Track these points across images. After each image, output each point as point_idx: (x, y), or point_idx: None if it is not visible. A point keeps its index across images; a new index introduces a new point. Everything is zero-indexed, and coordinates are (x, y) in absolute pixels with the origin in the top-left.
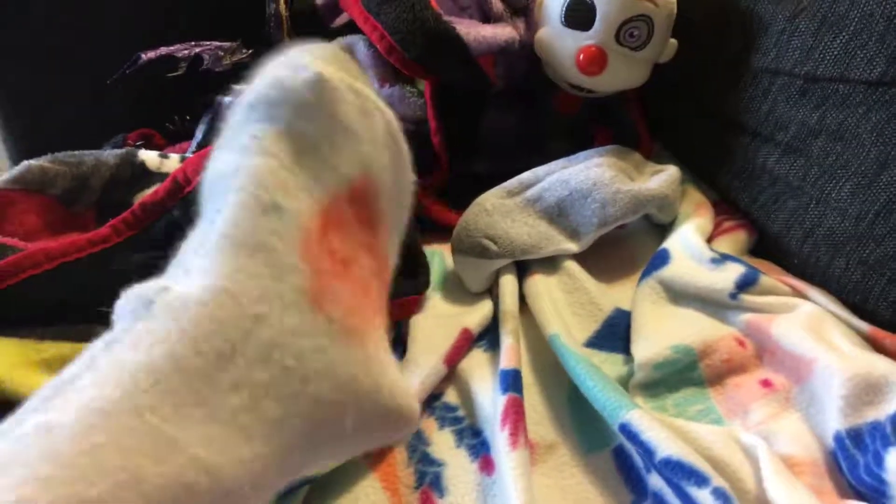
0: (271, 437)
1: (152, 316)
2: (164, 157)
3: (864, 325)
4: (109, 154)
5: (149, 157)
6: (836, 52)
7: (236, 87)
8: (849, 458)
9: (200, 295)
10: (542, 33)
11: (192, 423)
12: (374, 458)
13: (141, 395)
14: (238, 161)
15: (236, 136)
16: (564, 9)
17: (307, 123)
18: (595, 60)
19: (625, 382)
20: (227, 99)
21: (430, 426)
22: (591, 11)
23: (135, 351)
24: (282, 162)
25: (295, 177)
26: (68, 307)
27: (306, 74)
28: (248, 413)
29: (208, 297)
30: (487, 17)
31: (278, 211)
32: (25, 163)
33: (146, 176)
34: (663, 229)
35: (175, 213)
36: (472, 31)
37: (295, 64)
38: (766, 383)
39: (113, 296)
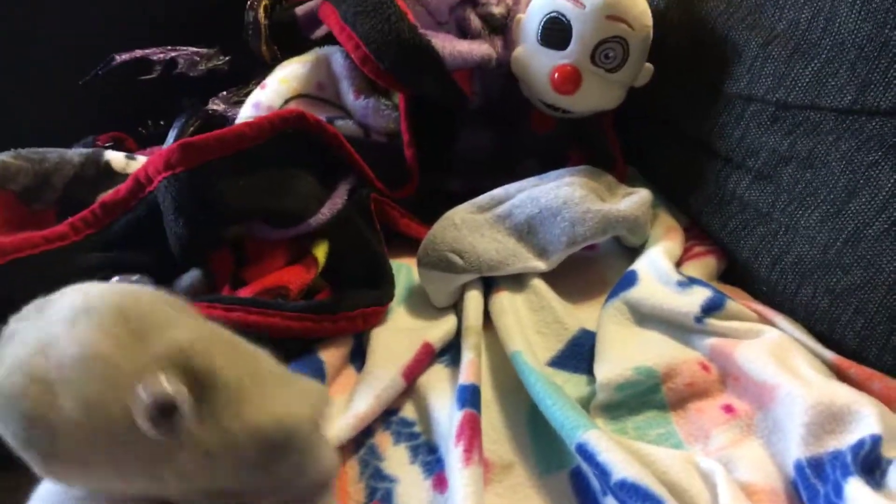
0: None
1: None
2: (131, 158)
3: (829, 354)
4: (74, 153)
5: (115, 157)
6: (807, 80)
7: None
8: (809, 487)
9: None
10: (519, 51)
11: None
12: None
13: None
14: None
15: None
16: (541, 27)
17: None
18: (569, 79)
19: (586, 404)
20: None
21: (385, 441)
22: (567, 31)
23: None
24: None
25: None
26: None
27: None
28: None
29: None
30: (465, 34)
31: None
32: None
33: (111, 176)
34: (634, 252)
35: (136, 213)
36: (448, 45)
37: None
38: (728, 409)
39: None
